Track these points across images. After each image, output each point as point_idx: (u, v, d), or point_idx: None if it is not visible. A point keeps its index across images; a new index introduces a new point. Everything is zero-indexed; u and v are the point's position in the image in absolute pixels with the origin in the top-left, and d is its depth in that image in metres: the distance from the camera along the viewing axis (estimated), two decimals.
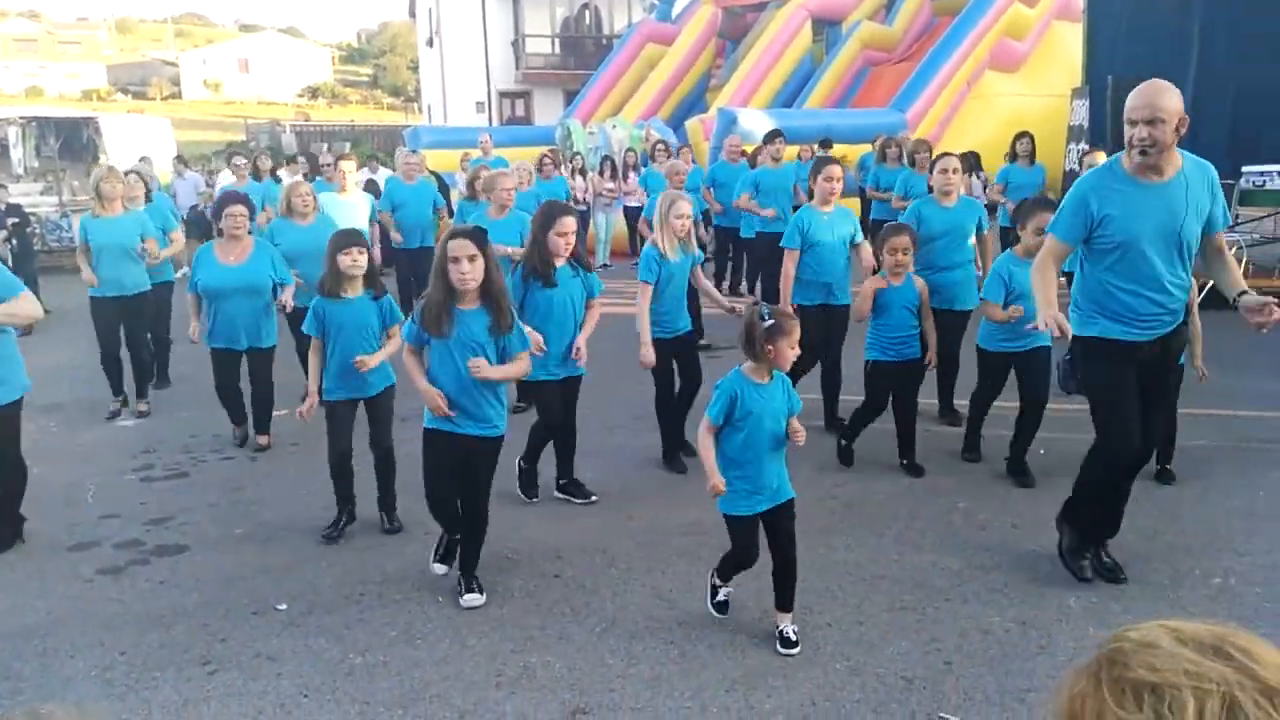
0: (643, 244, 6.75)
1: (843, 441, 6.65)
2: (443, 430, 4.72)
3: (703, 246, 9.39)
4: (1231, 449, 6.53)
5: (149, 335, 8.85)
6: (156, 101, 64.10)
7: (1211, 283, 5.54)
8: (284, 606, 4.87)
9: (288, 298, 7.23)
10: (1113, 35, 13.63)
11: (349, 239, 5.58)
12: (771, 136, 11.77)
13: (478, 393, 4.66)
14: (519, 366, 4.78)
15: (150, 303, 8.63)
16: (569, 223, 5.72)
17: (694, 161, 14.73)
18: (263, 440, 7.48)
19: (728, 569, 4.51)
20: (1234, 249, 10.24)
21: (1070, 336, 4.26)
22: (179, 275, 9.84)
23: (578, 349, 5.87)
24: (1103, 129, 11.92)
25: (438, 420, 4.73)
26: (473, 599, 4.80)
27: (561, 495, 6.21)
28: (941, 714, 3.78)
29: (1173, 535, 5.35)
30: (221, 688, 4.16)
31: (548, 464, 6.27)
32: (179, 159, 20.59)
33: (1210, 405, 7.15)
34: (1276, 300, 4.07)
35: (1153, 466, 5.85)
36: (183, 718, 3.95)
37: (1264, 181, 10.84)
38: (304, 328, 5.71)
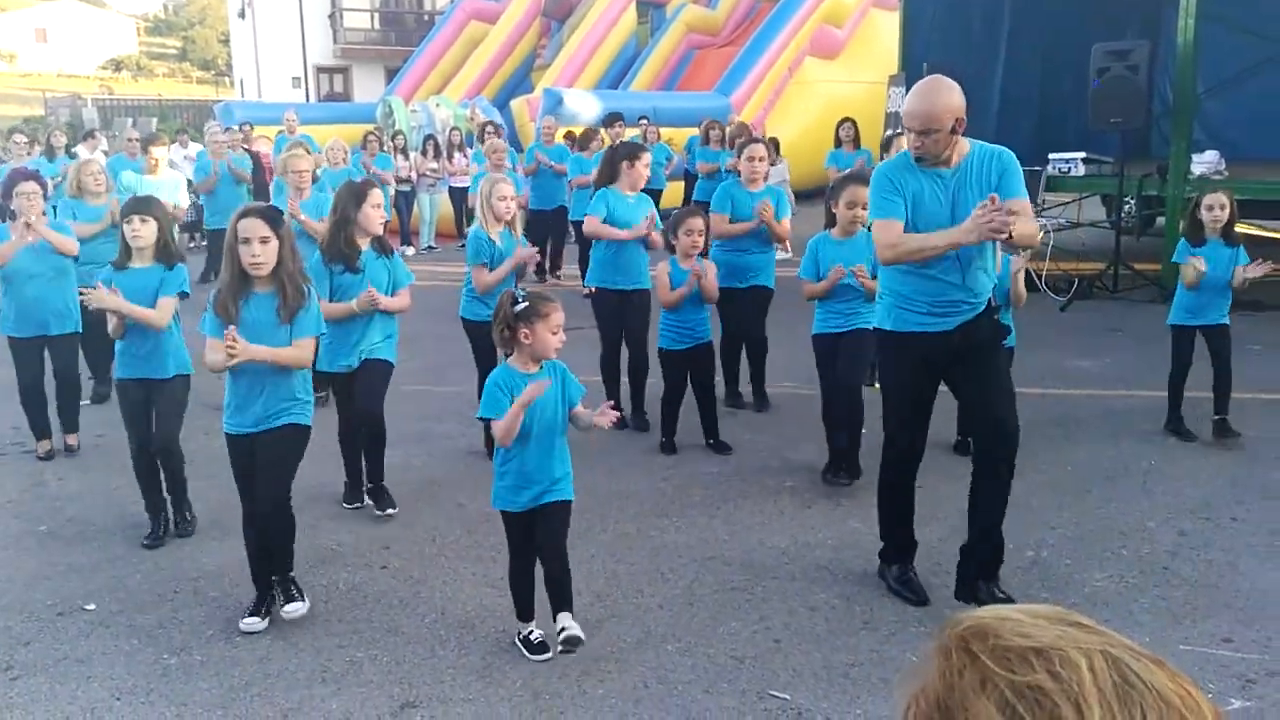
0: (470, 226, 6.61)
1: (663, 439, 6.61)
2: (238, 433, 4.35)
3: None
4: (1043, 426, 6.70)
5: None
6: None
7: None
8: (93, 606, 4.61)
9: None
10: (928, 24, 14.11)
11: (128, 208, 5.32)
12: (611, 120, 11.86)
13: (274, 380, 4.30)
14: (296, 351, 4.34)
15: None
16: (378, 195, 5.48)
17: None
18: (71, 440, 6.82)
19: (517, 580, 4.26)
20: (1041, 234, 10.77)
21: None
22: None
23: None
24: None
25: (236, 422, 4.34)
26: (296, 608, 4.42)
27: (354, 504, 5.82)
28: (771, 691, 3.84)
29: None
30: (25, 694, 3.91)
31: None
32: None
33: (1022, 385, 7.42)
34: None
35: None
36: None
37: (1069, 168, 11.34)
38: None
